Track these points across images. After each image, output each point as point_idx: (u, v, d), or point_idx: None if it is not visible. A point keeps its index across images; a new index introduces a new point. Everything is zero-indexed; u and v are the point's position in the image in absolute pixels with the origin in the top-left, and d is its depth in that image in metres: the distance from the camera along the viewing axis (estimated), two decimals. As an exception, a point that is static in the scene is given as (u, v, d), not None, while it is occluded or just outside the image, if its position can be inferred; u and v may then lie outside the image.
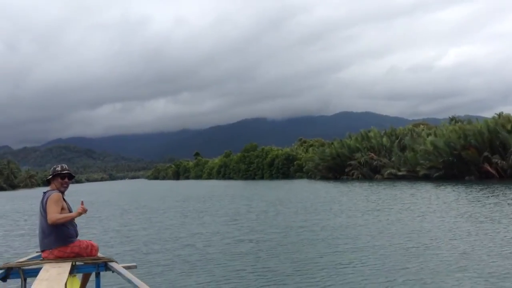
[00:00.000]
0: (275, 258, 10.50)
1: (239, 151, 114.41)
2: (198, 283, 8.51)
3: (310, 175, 71.84)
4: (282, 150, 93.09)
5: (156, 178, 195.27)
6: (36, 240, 5.22)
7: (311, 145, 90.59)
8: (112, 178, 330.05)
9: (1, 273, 3.74)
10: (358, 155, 59.94)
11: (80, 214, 4.55)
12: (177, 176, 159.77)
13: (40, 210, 4.62)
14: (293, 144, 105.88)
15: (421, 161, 47.57)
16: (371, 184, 43.97)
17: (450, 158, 43.42)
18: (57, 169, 4.84)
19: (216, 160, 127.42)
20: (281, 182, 62.52)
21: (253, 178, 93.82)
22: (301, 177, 75.56)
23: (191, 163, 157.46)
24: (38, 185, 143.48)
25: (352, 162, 60.45)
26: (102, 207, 31.03)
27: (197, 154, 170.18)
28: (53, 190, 4.73)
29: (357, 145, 61.97)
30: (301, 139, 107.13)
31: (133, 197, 42.51)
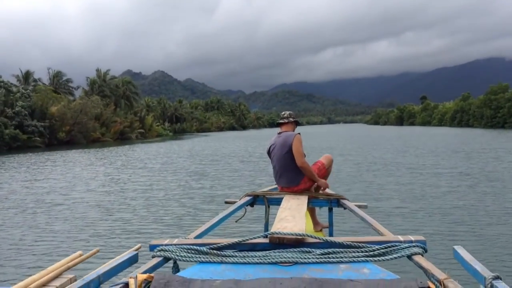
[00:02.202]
0: None
1: (472, 96, 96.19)
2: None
3: None
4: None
5: (376, 123, 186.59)
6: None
7: None
8: (330, 121, 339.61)
9: (250, 199, 4.21)
10: None
11: (321, 183, 4.48)
12: (400, 121, 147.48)
13: (273, 149, 4.62)
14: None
15: None
16: None
17: None
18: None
19: (450, 104, 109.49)
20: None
21: (502, 127, 76.72)
22: None
23: (416, 108, 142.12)
24: (265, 126, 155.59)
25: None
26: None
27: (423, 97, 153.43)
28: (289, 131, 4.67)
29: None
30: None
31: (361, 146, 35.28)
